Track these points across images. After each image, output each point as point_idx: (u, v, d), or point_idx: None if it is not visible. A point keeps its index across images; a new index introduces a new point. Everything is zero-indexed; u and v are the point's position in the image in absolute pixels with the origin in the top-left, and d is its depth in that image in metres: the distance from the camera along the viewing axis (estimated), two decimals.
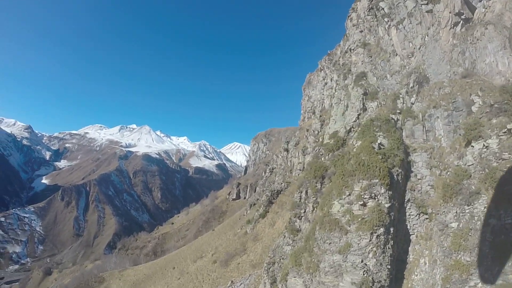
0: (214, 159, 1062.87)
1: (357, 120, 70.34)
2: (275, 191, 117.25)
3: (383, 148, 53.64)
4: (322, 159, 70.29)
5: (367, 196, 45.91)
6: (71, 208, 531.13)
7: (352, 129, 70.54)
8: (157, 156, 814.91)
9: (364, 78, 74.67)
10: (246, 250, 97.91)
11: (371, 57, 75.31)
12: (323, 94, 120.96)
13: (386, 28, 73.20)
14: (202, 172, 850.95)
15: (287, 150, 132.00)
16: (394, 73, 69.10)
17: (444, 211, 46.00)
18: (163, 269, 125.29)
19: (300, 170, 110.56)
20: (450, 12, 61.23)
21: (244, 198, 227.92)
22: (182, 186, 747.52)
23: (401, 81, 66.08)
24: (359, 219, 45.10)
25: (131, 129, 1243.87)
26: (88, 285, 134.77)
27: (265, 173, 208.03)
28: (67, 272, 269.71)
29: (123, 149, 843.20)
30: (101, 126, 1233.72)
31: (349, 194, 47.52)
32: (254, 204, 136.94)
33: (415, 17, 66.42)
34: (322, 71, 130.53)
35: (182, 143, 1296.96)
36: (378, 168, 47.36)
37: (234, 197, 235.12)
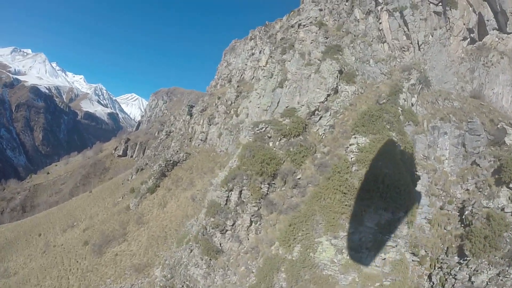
0: (107, 107, 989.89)
1: (325, 102, 55.86)
2: (171, 161, 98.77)
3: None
4: (271, 144, 51.97)
5: None
6: None
7: (317, 112, 55.49)
8: (47, 91, 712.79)
9: (340, 53, 61.17)
10: (127, 235, 77.64)
11: (327, 38, 66.37)
12: (246, 65, 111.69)
13: (372, 11, 65.13)
14: (92, 118, 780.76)
15: (190, 114, 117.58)
16: (379, 61, 60.28)
17: (462, 265, 34.30)
18: (28, 235, 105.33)
19: (201, 140, 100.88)
20: (464, 24, 59.25)
21: (131, 156, 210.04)
22: (67, 130, 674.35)
23: (391, 73, 57.39)
24: None
25: (25, 53, 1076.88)
26: None
27: (158, 133, 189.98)
28: None
29: (11, 75, 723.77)
30: None
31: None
32: (142, 170, 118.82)
33: (420, 12, 59.15)
34: (252, 41, 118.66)
35: (78, 82, 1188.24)
36: None
37: (121, 153, 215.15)
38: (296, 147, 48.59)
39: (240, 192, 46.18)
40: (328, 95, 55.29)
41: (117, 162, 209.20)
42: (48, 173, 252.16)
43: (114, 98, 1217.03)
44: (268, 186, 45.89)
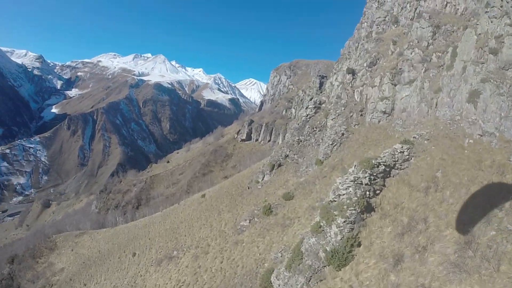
0: (228, 93, 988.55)
1: None
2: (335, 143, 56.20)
3: None
4: None
5: None
6: (77, 137, 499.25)
7: None
8: (169, 86, 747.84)
9: None
10: None
11: None
12: None
13: None
14: (214, 105, 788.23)
15: (353, 72, 66.90)
16: None
17: None
18: (122, 251, 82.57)
19: (383, 112, 53.44)
20: None
21: (257, 140, 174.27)
22: (192, 118, 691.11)
23: None
24: None
25: (146, 57, 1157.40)
26: (39, 251, 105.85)
27: (286, 111, 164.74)
28: (64, 205, 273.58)
29: (135, 77, 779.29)
30: (115, 55, 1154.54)
31: None
32: (280, 166, 68.89)
33: None
34: None
35: (197, 74, 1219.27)
36: None
37: (244, 137, 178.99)
38: None
39: None
40: None
41: (241, 147, 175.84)
42: (168, 161, 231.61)
43: (233, 85, 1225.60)
44: None
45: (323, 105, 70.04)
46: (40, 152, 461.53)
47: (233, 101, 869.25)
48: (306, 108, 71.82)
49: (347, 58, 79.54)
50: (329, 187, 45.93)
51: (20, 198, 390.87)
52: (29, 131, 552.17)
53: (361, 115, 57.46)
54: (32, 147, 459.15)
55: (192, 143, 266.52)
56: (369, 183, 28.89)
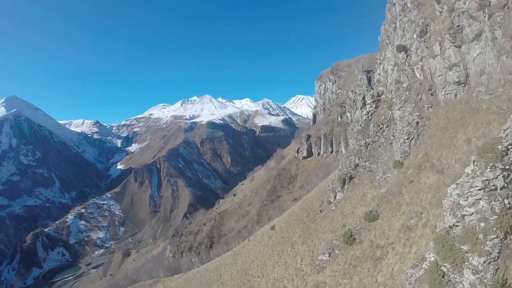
0: (279, 115, 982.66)
1: None
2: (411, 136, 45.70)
3: None
4: None
5: None
6: (145, 187, 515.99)
7: None
8: (221, 122, 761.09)
9: None
10: None
11: None
12: None
13: None
14: (268, 129, 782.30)
15: (404, 49, 56.38)
16: None
17: None
18: None
19: (458, 82, 41.55)
20: None
21: (318, 154, 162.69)
22: (250, 147, 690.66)
23: None
24: None
25: (193, 101, 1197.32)
26: None
27: (341, 117, 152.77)
28: (143, 252, 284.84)
29: (187, 121, 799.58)
30: (164, 105, 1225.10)
31: None
32: (351, 179, 57.49)
33: None
34: None
35: (245, 104, 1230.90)
36: None
37: (305, 154, 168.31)
38: None
39: None
40: None
41: (304, 166, 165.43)
42: (234, 194, 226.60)
43: (282, 106, 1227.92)
44: None
45: (383, 96, 59.02)
46: (113, 206, 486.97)
47: (286, 121, 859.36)
48: (364, 105, 60.85)
49: (388, 43, 68.18)
50: (423, 195, 34.81)
51: (101, 250, 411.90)
52: (100, 190, 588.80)
53: (432, 94, 46.50)
54: (105, 203, 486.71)
55: (255, 172, 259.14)
56: (505, 185, 17.76)
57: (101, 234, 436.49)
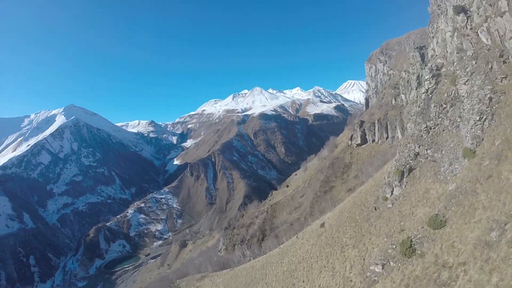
0: (331, 102, 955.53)
1: None
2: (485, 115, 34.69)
3: None
4: None
5: None
6: (201, 180, 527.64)
7: None
8: (273, 112, 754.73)
9: None
10: None
11: None
12: None
13: None
14: (321, 117, 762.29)
15: (463, 10, 45.73)
16: None
17: None
18: None
19: None
20: None
21: (373, 141, 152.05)
22: (304, 136, 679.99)
23: None
24: None
25: (243, 94, 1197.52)
26: None
27: (396, 99, 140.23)
28: (199, 243, 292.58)
29: (239, 114, 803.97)
30: (215, 100, 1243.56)
31: None
32: (411, 170, 47.62)
33: None
34: None
35: (296, 94, 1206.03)
36: None
37: (359, 141, 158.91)
38: None
39: None
40: None
41: (358, 154, 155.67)
42: (287, 186, 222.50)
43: (333, 92, 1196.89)
44: None
45: (443, 69, 48.36)
46: (171, 200, 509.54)
47: (338, 108, 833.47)
48: (420, 83, 51.11)
49: (439, 13, 56.93)
50: (506, 197, 25.30)
51: (160, 242, 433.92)
52: (158, 185, 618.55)
53: (504, 62, 36.39)
54: (163, 197, 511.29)
55: (308, 161, 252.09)
56: None
57: (159, 227, 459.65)
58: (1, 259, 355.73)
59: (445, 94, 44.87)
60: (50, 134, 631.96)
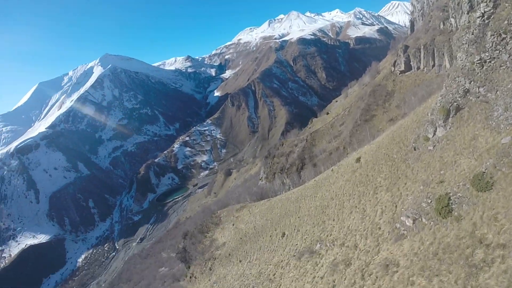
0: (373, 25, 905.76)
1: None
2: None
3: None
4: None
5: None
6: (242, 110, 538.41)
7: None
8: (312, 37, 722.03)
9: None
10: None
11: None
12: None
13: None
14: (363, 41, 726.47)
15: None
16: None
17: None
18: (274, 229, 78.14)
19: None
20: None
21: (418, 68, 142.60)
22: (345, 61, 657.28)
23: None
24: None
25: (280, 20, 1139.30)
26: (206, 226, 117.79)
27: (444, 23, 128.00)
28: (243, 171, 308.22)
29: (277, 40, 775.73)
30: (251, 28, 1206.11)
31: None
32: (459, 110, 41.17)
33: None
34: None
35: (336, 16, 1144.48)
36: None
37: (403, 68, 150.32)
38: None
39: None
40: None
41: (401, 81, 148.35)
42: (327, 113, 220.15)
43: (376, 14, 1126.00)
44: None
45: None
46: (214, 131, 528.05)
47: (381, 31, 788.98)
48: (476, 4, 43.15)
49: None
50: None
51: (206, 172, 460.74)
52: (201, 118, 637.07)
53: None
54: (206, 129, 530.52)
55: (349, 87, 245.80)
56: None
57: (205, 157, 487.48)
58: (63, 207, 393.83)
59: (506, 22, 36.06)
60: (91, 86, 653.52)
